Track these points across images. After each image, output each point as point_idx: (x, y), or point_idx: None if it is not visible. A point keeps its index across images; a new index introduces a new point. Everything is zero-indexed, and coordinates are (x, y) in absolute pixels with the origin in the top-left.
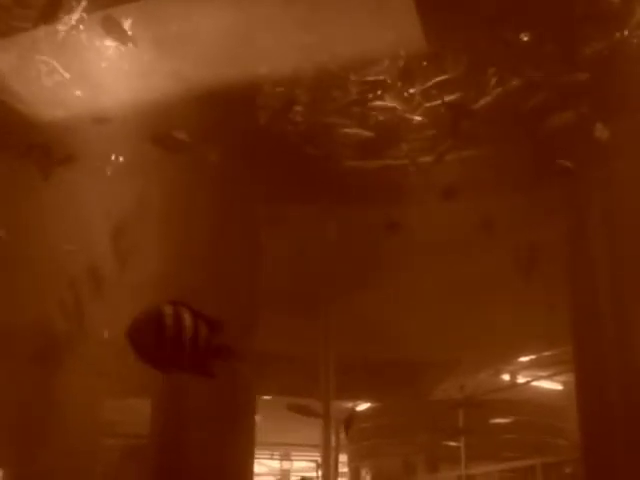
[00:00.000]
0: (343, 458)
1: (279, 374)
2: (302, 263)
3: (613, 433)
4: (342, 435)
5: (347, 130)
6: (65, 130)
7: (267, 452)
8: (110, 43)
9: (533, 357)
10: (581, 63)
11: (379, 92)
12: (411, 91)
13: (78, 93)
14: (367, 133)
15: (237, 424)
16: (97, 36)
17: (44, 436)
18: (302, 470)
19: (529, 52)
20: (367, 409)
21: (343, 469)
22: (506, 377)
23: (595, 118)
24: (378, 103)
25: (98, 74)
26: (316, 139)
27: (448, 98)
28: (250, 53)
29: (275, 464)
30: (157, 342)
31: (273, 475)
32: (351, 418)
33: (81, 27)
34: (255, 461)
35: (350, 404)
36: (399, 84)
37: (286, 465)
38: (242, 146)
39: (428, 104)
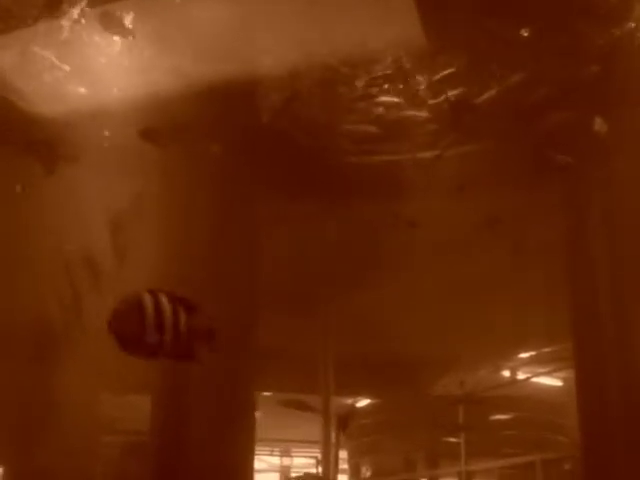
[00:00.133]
0: (343, 454)
1: (279, 371)
2: (302, 261)
3: (612, 430)
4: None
5: (349, 126)
6: (66, 126)
7: (267, 448)
8: (110, 38)
9: (533, 353)
10: (582, 59)
11: (381, 88)
12: (413, 86)
13: (78, 89)
14: (370, 129)
15: (237, 421)
16: (98, 31)
17: (43, 433)
18: (302, 466)
19: (529, 48)
20: (367, 405)
21: (343, 465)
22: (506, 373)
23: (596, 114)
24: (381, 99)
25: (98, 70)
26: (318, 135)
27: (450, 93)
28: (251, 48)
29: (275, 460)
30: (139, 330)
31: (273, 471)
32: (347, 416)
33: (83, 21)
34: (255, 457)
35: (350, 400)
36: (401, 80)
37: (286, 461)
38: (243, 142)
39: (430, 100)
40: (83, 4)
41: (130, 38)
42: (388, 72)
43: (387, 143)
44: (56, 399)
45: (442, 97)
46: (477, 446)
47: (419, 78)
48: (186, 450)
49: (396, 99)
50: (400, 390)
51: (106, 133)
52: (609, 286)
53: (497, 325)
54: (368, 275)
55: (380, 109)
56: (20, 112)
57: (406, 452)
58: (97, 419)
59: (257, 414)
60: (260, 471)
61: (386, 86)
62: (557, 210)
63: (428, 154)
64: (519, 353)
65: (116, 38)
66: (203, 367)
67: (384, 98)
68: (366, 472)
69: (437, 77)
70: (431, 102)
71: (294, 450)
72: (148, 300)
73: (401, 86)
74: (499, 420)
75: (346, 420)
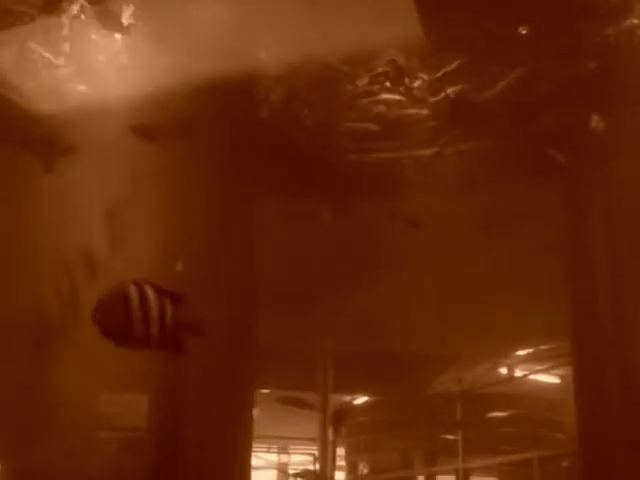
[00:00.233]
0: (341, 452)
1: (277, 368)
2: (301, 259)
3: (610, 428)
4: (339, 429)
5: (349, 124)
6: (65, 122)
7: (264, 445)
8: (108, 36)
9: (531, 351)
10: (581, 57)
11: (381, 86)
12: (412, 84)
13: (77, 86)
14: (370, 126)
15: (235, 418)
16: (96, 29)
17: (40, 430)
18: (300, 463)
19: (529, 45)
20: (364, 403)
21: (340, 462)
22: (504, 370)
23: (595, 113)
24: (380, 97)
25: (97, 66)
26: (318, 134)
27: (449, 91)
28: (250, 47)
29: (273, 457)
30: (124, 322)
31: (270, 468)
32: (340, 413)
33: (82, 17)
34: (252, 454)
35: (348, 398)
36: (400, 78)
37: (284, 458)
38: (242, 140)
39: (430, 98)
40: (82, 0)
41: (129, 36)
42: (388, 70)
43: (387, 141)
44: (52, 394)
45: (441, 95)
46: (475, 443)
47: (419, 76)
48: (184, 447)
49: (396, 97)
50: (398, 388)
51: (105, 131)
52: (608, 285)
53: (495, 323)
54: (366, 273)
55: (380, 107)
56: (19, 109)
57: (403, 449)
58: (94, 416)
59: (254, 411)
60: (257, 468)
61: (386, 84)
62: (556, 208)
63: (427, 152)
64: (517, 350)
65: (115, 36)
66: (202, 365)
67: (384, 96)
68: (363, 469)
69: (436, 75)
70: (430, 100)
71: (291, 447)
72: (133, 292)
73: (401, 84)
74: (497, 417)
75: (338, 417)
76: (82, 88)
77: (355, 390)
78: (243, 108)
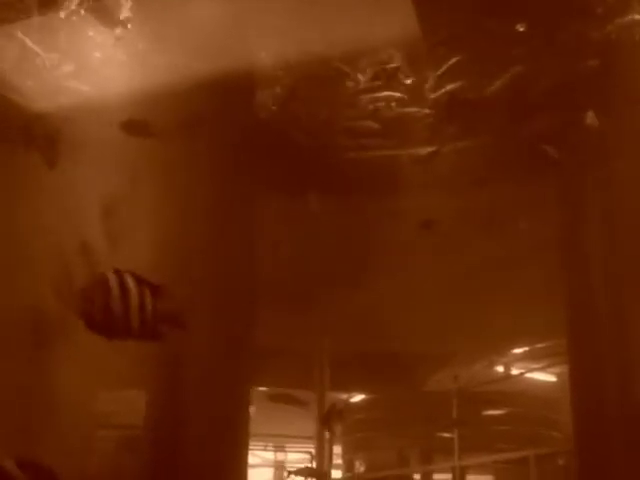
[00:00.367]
0: (337, 450)
1: (275, 367)
2: (299, 258)
3: (606, 426)
4: (336, 427)
5: (349, 122)
6: (65, 120)
7: (261, 443)
8: (105, 32)
9: (527, 349)
10: (580, 55)
11: (380, 83)
12: (410, 82)
13: (75, 84)
14: (369, 124)
15: (233, 416)
16: (93, 26)
17: (38, 428)
18: (296, 461)
19: (527, 43)
20: (361, 401)
21: (337, 460)
22: (500, 369)
23: (595, 111)
24: (380, 94)
25: (94, 64)
26: (317, 132)
27: (448, 89)
28: (249, 46)
29: (269, 455)
30: (105, 311)
31: (267, 466)
32: (331, 411)
33: (82, 12)
34: (249, 452)
35: (345, 396)
36: (400, 76)
37: (280, 456)
38: (242, 139)
39: (428, 96)
40: None
41: (126, 32)
42: (386, 68)
43: (386, 139)
44: (52, 395)
45: (440, 92)
46: (471, 441)
47: (417, 74)
48: (181, 444)
49: (394, 94)
50: (394, 386)
51: (104, 128)
52: (605, 283)
53: (492, 321)
54: (364, 272)
55: (379, 105)
56: (18, 107)
57: (400, 447)
58: (93, 414)
59: (251, 409)
60: (254, 466)
61: (385, 82)
62: (554, 206)
63: (426, 150)
64: (513, 348)
65: (111, 33)
66: (200, 363)
67: (383, 94)
68: (360, 467)
69: (435, 73)
70: (429, 98)
71: (288, 445)
72: (114, 280)
73: (399, 82)
74: (493, 415)
75: (328, 415)
76: (79, 85)
77: (352, 388)
78: (242, 107)
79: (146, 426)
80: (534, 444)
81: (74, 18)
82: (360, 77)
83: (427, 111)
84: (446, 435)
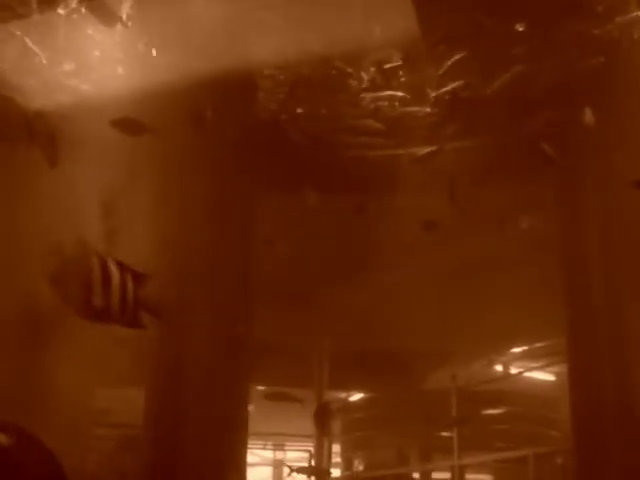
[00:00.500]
0: (336, 448)
1: (274, 365)
2: (298, 255)
3: (605, 426)
4: (335, 425)
5: (349, 121)
6: (64, 119)
7: (260, 442)
8: (105, 31)
9: (526, 348)
10: (580, 53)
11: (380, 82)
12: (411, 81)
13: (75, 82)
14: (370, 123)
15: (232, 414)
16: (96, 24)
17: (36, 426)
18: (295, 460)
19: (528, 41)
20: (360, 399)
21: (336, 459)
22: (499, 368)
23: (594, 110)
24: (379, 94)
25: (93, 62)
26: (318, 131)
27: (449, 87)
28: (249, 45)
29: (268, 454)
30: (85, 294)
31: (266, 465)
32: (322, 411)
33: (82, 10)
34: (248, 451)
35: (343, 394)
36: (399, 75)
37: (279, 455)
38: (242, 137)
39: (429, 95)
40: None
41: (126, 31)
42: (387, 67)
43: (386, 138)
44: (51, 393)
45: (441, 91)
46: (470, 440)
47: (418, 73)
48: (180, 443)
49: (395, 93)
50: (393, 384)
51: (103, 127)
52: (604, 282)
53: (491, 320)
54: (363, 270)
55: (379, 104)
56: (18, 106)
57: (399, 446)
58: (92, 412)
59: (250, 407)
60: (253, 465)
61: (385, 81)
62: (553, 206)
63: (427, 149)
64: (512, 348)
65: (111, 31)
66: (199, 361)
67: (384, 93)
68: (359, 466)
69: (436, 72)
70: (430, 97)
71: (287, 444)
72: (95, 263)
73: (400, 81)
74: (492, 414)
75: (321, 413)
76: (79, 84)
77: (351, 387)
78: (242, 106)
79: (145, 424)
80: (533, 443)
81: (74, 16)
82: (361, 76)
83: (428, 110)
84: (445, 434)
